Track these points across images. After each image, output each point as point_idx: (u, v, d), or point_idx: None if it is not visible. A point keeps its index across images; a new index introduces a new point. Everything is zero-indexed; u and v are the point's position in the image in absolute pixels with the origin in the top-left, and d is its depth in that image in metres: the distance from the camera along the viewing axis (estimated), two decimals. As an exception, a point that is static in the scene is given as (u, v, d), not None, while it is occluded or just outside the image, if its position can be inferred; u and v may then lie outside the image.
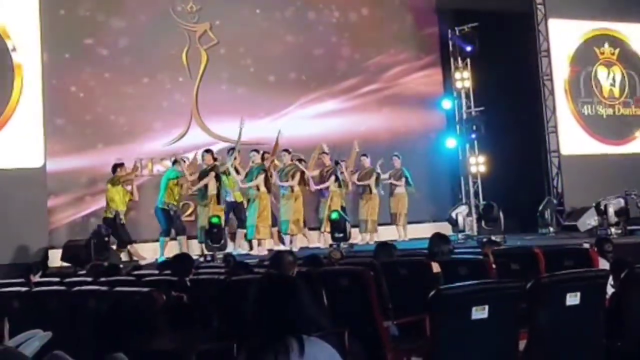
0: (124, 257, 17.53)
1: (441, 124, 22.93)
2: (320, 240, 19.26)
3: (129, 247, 17.74)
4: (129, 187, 17.89)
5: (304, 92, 21.19)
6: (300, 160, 19.12)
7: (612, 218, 19.16)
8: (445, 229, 19.42)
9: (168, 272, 10.03)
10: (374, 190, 19.81)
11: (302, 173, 18.90)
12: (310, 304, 7.80)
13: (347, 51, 21.87)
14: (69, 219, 18.49)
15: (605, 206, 19.36)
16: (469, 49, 22.20)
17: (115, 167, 17.80)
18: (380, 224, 20.13)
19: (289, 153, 19.01)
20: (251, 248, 18.24)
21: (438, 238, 10.37)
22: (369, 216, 19.70)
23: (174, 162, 18.39)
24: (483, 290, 5.82)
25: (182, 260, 10.01)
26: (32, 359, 5.33)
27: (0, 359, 5.28)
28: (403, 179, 20.30)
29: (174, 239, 18.02)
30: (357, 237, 19.53)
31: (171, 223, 17.90)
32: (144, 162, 18.95)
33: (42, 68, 17.59)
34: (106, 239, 16.76)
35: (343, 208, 19.38)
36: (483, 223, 20.19)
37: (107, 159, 18.25)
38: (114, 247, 17.46)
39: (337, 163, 19.51)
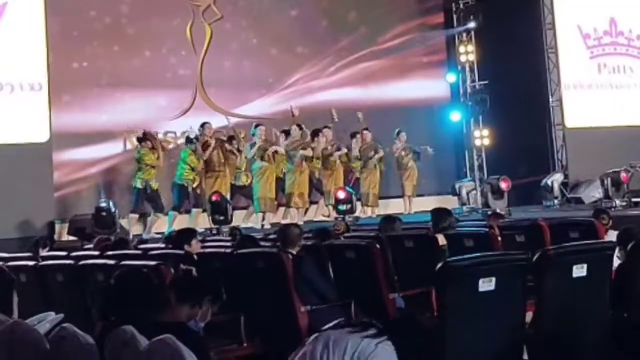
0: (136, 230, 17.53)
1: (445, 98, 22.91)
2: (326, 213, 19.30)
3: (149, 217, 17.76)
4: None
5: (308, 65, 21.17)
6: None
7: (611, 190, 19.26)
8: (451, 202, 19.54)
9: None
10: (375, 165, 19.81)
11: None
12: (315, 276, 7.86)
13: (352, 25, 21.80)
14: (76, 193, 18.50)
15: (603, 179, 19.45)
16: (472, 24, 22.22)
17: (141, 139, 17.78)
18: (386, 197, 20.20)
19: (300, 128, 19.00)
20: (264, 219, 18.32)
21: (441, 211, 10.43)
22: (370, 189, 19.73)
23: (189, 141, 18.26)
24: (490, 262, 5.83)
25: (183, 234, 10.19)
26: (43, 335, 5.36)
27: (11, 332, 5.31)
28: (410, 153, 20.31)
29: (188, 212, 18.02)
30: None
31: (184, 199, 17.88)
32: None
33: (47, 42, 17.55)
34: (103, 213, 16.65)
35: (352, 180, 19.51)
36: (491, 195, 20.20)
37: (113, 133, 18.26)
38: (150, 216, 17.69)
39: (352, 136, 19.63)
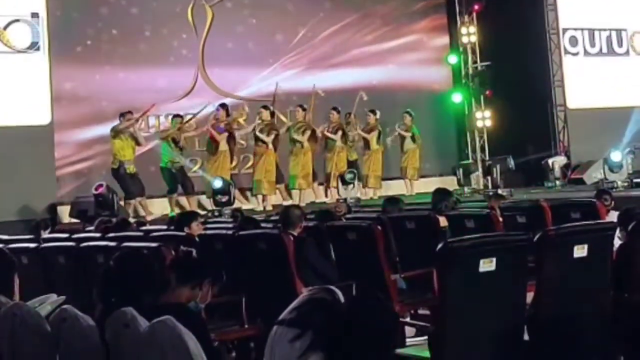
0: (130, 212, 17.46)
1: (447, 79, 22.87)
2: (327, 195, 19.32)
3: (139, 200, 17.52)
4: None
5: (311, 46, 21.12)
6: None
7: (610, 172, 19.32)
8: (453, 183, 19.56)
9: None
10: (376, 146, 19.80)
11: (313, 130, 18.94)
12: (316, 257, 7.86)
13: (354, 6, 21.72)
14: (78, 176, 18.49)
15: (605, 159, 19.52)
16: (477, 6, 22.16)
17: (121, 115, 17.61)
18: (388, 178, 20.21)
19: (303, 110, 18.99)
20: (264, 200, 18.35)
21: (440, 192, 10.46)
22: (371, 172, 19.74)
23: (174, 118, 18.30)
24: (491, 242, 5.82)
25: (184, 216, 10.25)
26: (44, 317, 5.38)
27: (12, 314, 5.32)
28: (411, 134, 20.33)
29: (182, 194, 18.00)
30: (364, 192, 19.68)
31: (175, 181, 17.84)
32: (151, 120, 18.95)
33: (47, 26, 17.52)
34: (100, 199, 16.57)
35: (353, 162, 19.51)
36: (499, 174, 20.23)
37: (114, 116, 18.26)
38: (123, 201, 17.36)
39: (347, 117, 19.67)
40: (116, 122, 17.71)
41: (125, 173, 17.24)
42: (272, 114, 18.71)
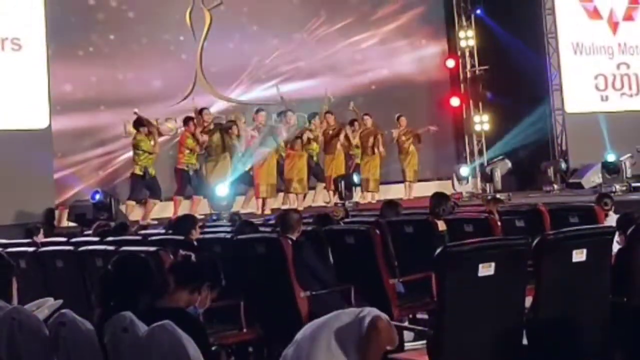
0: (136, 216, 17.48)
1: (445, 83, 22.87)
2: (326, 199, 19.33)
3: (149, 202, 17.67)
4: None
5: (308, 49, 21.11)
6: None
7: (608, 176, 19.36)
8: (450, 187, 19.58)
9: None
10: (375, 150, 19.83)
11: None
12: (315, 261, 7.86)
13: (351, 9, 21.73)
14: (76, 179, 18.45)
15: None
16: (478, 11, 22.20)
17: (140, 123, 17.64)
18: (386, 182, 20.23)
19: (294, 114, 19.04)
20: (264, 204, 18.34)
21: (438, 197, 10.44)
22: (370, 175, 19.75)
23: (186, 123, 18.25)
24: (490, 247, 5.81)
25: (184, 221, 10.18)
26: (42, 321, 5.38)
27: (11, 318, 5.32)
28: (411, 138, 20.33)
29: (189, 197, 18.01)
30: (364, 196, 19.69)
31: (187, 184, 17.83)
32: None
33: (45, 29, 17.50)
34: (97, 203, 16.58)
35: (352, 167, 19.54)
36: (500, 178, 20.30)
37: (112, 120, 18.26)
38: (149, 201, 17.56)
39: (351, 123, 19.65)
40: (114, 125, 17.78)
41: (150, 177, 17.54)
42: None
